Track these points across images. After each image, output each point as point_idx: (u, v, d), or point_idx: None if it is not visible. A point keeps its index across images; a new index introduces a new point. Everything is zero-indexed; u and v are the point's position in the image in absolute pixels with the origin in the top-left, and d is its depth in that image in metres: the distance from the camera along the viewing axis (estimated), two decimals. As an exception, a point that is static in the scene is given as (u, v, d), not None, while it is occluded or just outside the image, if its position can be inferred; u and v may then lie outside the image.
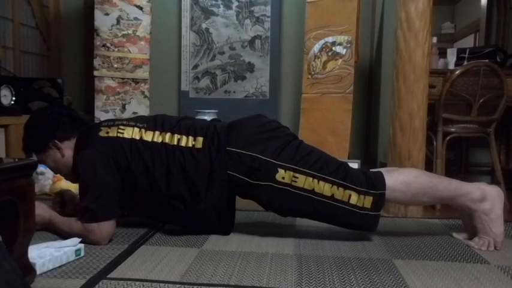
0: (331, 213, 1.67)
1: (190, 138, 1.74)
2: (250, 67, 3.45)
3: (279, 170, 1.65)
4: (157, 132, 1.75)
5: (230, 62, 3.47)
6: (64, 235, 1.65)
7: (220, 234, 1.79)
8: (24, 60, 3.26)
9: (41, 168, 2.55)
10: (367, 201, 1.64)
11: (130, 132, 1.74)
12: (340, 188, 1.64)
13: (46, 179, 2.58)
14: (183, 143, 1.72)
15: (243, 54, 3.46)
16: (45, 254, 1.38)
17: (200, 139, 1.73)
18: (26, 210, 1.21)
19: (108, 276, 1.33)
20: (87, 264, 1.42)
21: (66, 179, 1.90)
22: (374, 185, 1.65)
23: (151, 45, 3.20)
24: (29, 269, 1.24)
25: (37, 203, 1.74)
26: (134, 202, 1.74)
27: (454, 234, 1.83)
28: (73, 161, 1.75)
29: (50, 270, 1.36)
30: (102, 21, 3.07)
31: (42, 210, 1.70)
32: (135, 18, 3.13)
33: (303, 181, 1.64)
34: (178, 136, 1.74)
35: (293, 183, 1.65)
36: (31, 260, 1.27)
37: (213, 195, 1.69)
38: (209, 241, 1.71)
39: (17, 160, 1.25)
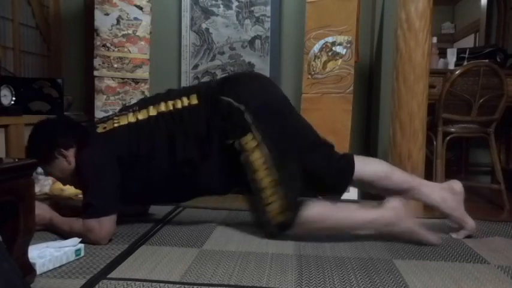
0: (254, 203, 1.71)
1: (184, 98, 1.75)
2: (250, 67, 3.45)
3: (246, 135, 1.65)
4: (150, 107, 1.76)
5: (230, 62, 3.47)
6: (65, 235, 1.65)
7: (218, 195, 1.82)
8: (24, 60, 3.26)
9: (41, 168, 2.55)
10: (282, 216, 1.65)
11: (126, 119, 1.76)
12: (269, 187, 1.64)
13: (46, 179, 2.57)
14: (178, 106, 1.74)
15: (243, 54, 3.46)
16: (45, 254, 1.38)
17: (194, 96, 1.75)
18: (26, 210, 1.21)
19: (108, 276, 1.32)
20: (87, 264, 1.42)
21: (76, 187, 1.89)
22: (298, 208, 1.64)
23: (151, 45, 3.20)
24: (29, 269, 1.24)
25: (37, 203, 1.75)
26: (142, 189, 1.74)
27: (453, 235, 1.84)
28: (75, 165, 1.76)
29: (50, 270, 1.36)
30: (102, 21, 3.07)
31: (43, 211, 1.70)
32: (135, 18, 3.13)
33: (257, 159, 1.64)
34: (172, 102, 1.76)
35: (248, 153, 1.65)
36: (31, 260, 1.27)
37: (215, 148, 1.70)
38: (209, 241, 1.71)
39: (17, 160, 1.25)
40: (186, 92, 1.79)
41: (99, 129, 1.76)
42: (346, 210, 1.74)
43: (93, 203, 1.61)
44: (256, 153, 1.65)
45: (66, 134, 1.78)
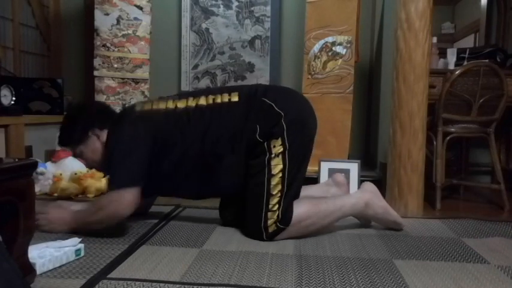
0: (252, 205, 1.71)
1: (225, 95, 1.78)
2: (250, 67, 3.45)
3: (277, 139, 1.68)
4: (190, 98, 1.80)
5: (230, 62, 3.47)
6: (93, 223, 1.67)
7: (226, 195, 1.86)
8: (24, 60, 3.26)
9: (41, 168, 2.55)
10: (273, 228, 1.68)
11: (164, 104, 1.80)
12: (277, 196, 1.67)
13: (46, 179, 2.57)
14: (218, 100, 1.77)
15: (243, 54, 3.46)
16: (45, 254, 1.38)
17: (235, 93, 1.78)
18: (26, 210, 1.20)
19: (108, 276, 1.32)
20: (87, 264, 1.42)
21: (104, 170, 1.93)
22: (289, 223, 1.69)
23: (151, 45, 3.20)
24: (29, 269, 1.23)
25: (54, 207, 1.76)
26: (164, 176, 1.76)
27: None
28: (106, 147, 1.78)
29: (50, 270, 1.36)
30: (102, 21, 3.07)
31: (62, 214, 1.72)
32: (135, 18, 3.13)
33: (277, 165, 1.68)
34: (213, 96, 1.79)
35: (270, 159, 1.68)
36: (31, 260, 1.27)
37: (242, 147, 1.72)
38: (209, 241, 1.71)
39: (17, 160, 1.25)
40: (228, 89, 1.82)
41: (137, 108, 1.81)
42: (327, 201, 1.81)
43: (116, 174, 1.65)
44: (279, 159, 1.69)
45: (102, 114, 1.84)
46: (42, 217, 1.71)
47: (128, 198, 1.64)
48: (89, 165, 1.98)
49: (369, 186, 1.91)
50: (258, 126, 1.70)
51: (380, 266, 1.47)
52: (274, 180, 1.68)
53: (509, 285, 1.34)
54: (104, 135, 1.81)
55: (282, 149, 1.69)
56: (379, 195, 1.88)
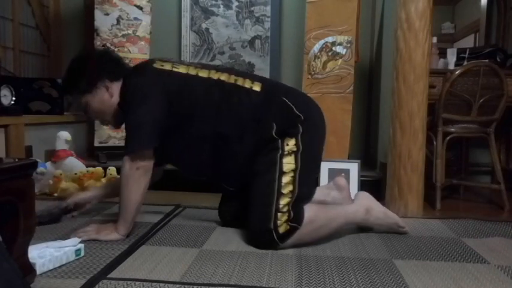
0: (259, 203, 1.64)
1: (248, 80, 1.75)
2: (250, 67, 3.45)
3: (292, 139, 1.66)
4: (213, 71, 1.75)
5: (230, 62, 3.47)
6: (132, 202, 1.65)
7: (224, 187, 1.83)
8: (24, 60, 3.26)
9: (41, 168, 2.55)
10: (284, 227, 1.59)
11: (186, 69, 1.74)
12: (288, 197, 1.61)
13: (46, 179, 2.58)
14: (239, 83, 1.73)
15: (243, 54, 3.46)
16: (45, 254, 1.38)
17: (258, 84, 1.74)
18: (26, 210, 1.20)
19: (108, 276, 1.32)
20: (87, 264, 1.42)
21: (108, 124, 1.88)
22: (298, 218, 1.62)
23: (151, 45, 3.20)
24: (29, 269, 1.23)
25: (106, 232, 1.69)
26: (169, 145, 1.72)
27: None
28: (120, 100, 1.73)
29: (50, 270, 1.36)
30: (102, 21, 3.07)
31: (114, 234, 1.68)
32: (135, 18, 3.13)
33: (289, 163, 1.65)
34: (235, 77, 1.74)
35: (282, 156, 1.65)
36: (31, 260, 1.27)
37: (252, 140, 1.69)
38: (209, 241, 1.71)
39: (17, 160, 1.25)
40: (251, 77, 1.78)
41: (156, 65, 1.73)
42: (330, 206, 1.80)
43: (129, 137, 1.63)
44: (291, 158, 1.65)
45: (113, 66, 1.76)
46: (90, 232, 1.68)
47: (142, 159, 1.62)
48: (94, 118, 1.86)
49: (364, 195, 1.90)
50: (274, 124, 1.67)
51: (380, 266, 1.47)
52: (286, 179, 1.63)
53: (509, 285, 1.34)
54: (114, 87, 1.73)
55: (295, 149, 1.66)
56: (376, 201, 1.87)
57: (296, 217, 1.60)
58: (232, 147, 1.71)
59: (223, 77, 1.73)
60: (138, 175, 1.64)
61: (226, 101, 1.70)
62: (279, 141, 1.66)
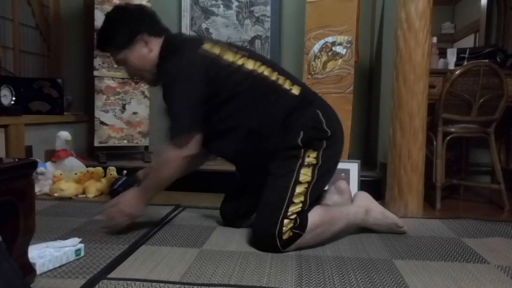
0: (269, 206, 1.62)
1: (288, 82, 1.74)
2: (250, 67, 3.45)
3: (314, 152, 1.67)
4: (258, 63, 1.73)
5: (230, 62, 3.47)
6: (164, 180, 1.70)
7: (241, 183, 1.88)
8: (24, 60, 3.26)
9: (41, 168, 2.55)
10: (288, 234, 1.58)
11: (232, 57, 1.72)
12: (297, 206, 1.61)
13: (46, 179, 2.58)
14: (280, 82, 1.72)
15: (243, 54, 3.46)
16: (45, 254, 1.38)
17: (298, 87, 1.74)
18: (26, 210, 1.20)
19: (108, 276, 1.32)
20: (87, 264, 1.42)
21: (145, 80, 1.85)
22: (302, 225, 1.61)
23: (151, 45, 3.20)
24: (29, 269, 1.24)
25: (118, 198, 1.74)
26: (205, 127, 1.71)
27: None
28: (159, 61, 1.71)
29: (50, 270, 1.36)
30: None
31: (128, 197, 1.73)
32: (135, 18, 3.12)
33: (306, 175, 1.65)
34: (277, 75, 1.73)
35: (301, 166, 1.65)
36: (31, 260, 1.27)
37: (277, 140, 1.68)
38: (209, 241, 1.71)
39: (17, 160, 1.25)
40: (293, 79, 1.76)
41: (206, 46, 1.71)
42: (333, 208, 1.80)
43: (173, 122, 1.63)
44: (309, 170, 1.65)
45: (153, 21, 1.73)
46: (113, 211, 1.71)
47: (185, 146, 1.63)
48: (131, 74, 1.82)
49: (364, 195, 1.91)
50: (302, 132, 1.66)
51: (380, 266, 1.47)
52: (299, 189, 1.62)
53: (509, 285, 1.34)
54: (153, 41, 1.70)
55: (315, 162, 1.66)
56: (374, 202, 1.88)
57: (301, 224, 1.60)
58: (258, 143, 1.71)
59: (267, 72, 1.72)
60: (184, 162, 1.66)
61: (264, 99, 1.69)
62: (302, 150, 1.66)
